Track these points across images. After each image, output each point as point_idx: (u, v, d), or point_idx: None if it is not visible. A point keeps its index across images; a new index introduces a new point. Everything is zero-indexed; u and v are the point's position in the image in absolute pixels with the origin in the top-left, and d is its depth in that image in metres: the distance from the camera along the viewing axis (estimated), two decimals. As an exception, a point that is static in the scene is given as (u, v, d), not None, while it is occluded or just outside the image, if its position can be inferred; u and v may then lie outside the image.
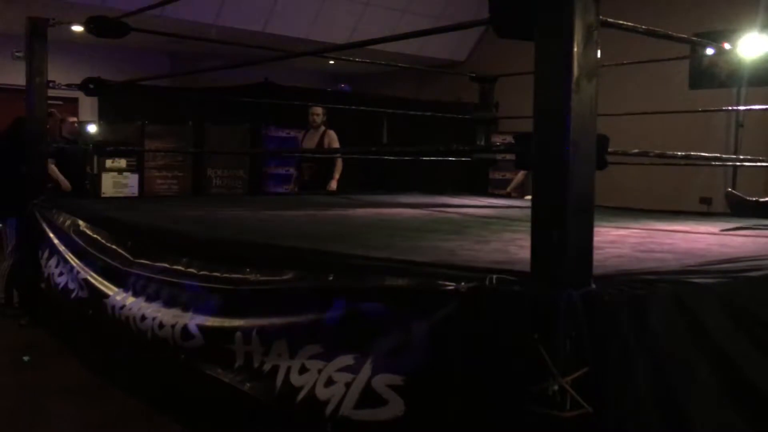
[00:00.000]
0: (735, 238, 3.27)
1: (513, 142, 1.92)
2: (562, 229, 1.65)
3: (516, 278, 1.77)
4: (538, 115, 1.73)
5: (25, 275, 4.78)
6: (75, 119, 7.20)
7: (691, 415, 1.77)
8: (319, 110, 6.70)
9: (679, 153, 2.29)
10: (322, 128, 6.64)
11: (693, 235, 3.36)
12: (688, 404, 1.79)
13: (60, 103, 8.32)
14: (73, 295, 3.80)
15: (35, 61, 4.84)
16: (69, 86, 5.03)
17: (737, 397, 1.89)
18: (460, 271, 1.94)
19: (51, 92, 5.06)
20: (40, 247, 4.47)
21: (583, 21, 1.66)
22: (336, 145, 6.50)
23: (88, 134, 8.20)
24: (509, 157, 5.84)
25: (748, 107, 6.66)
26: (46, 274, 4.31)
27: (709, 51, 5.51)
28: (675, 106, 6.69)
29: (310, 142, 6.65)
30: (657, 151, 2.33)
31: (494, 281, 1.76)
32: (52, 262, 4.22)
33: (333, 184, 6.74)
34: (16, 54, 7.91)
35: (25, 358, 2.84)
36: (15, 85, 7.57)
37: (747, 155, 7.00)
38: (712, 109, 6.60)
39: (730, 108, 6.84)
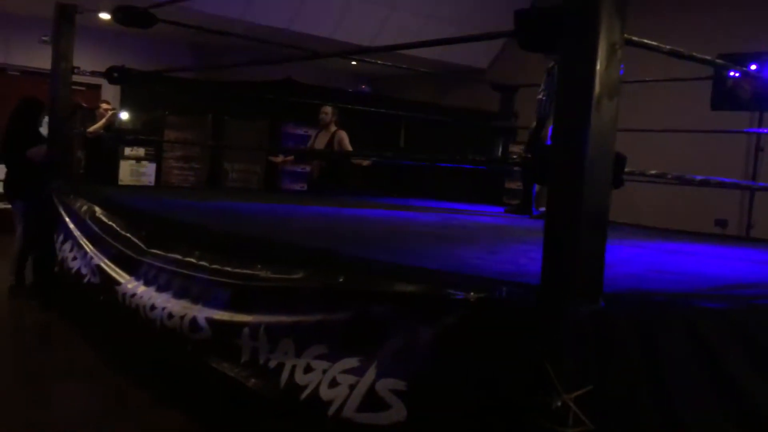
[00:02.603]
0: (749, 263, 3.25)
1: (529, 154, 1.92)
2: (574, 246, 1.65)
3: (525, 291, 1.77)
4: (557, 131, 1.73)
5: (38, 258, 4.84)
6: (110, 107, 7.27)
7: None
8: (328, 109, 6.70)
9: (697, 177, 2.27)
10: (333, 128, 6.66)
11: (706, 258, 3.34)
12: (690, 426, 1.78)
13: (83, 89, 8.41)
14: (86, 280, 3.84)
15: (62, 46, 4.90)
16: (93, 73, 5.07)
17: (743, 425, 1.88)
18: (470, 280, 1.95)
19: (75, 78, 5.12)
20: (55, 231, 4.52)
21: (608, 39, 1.66)
22: (347, 145, 6.52)
23: (120, 122, 8.26)
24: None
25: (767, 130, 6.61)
26: (59, 258, 4.36)
27: (733, 73, 5.47)
28: (696, 126, 6.65)
29: (321, 142, 6.68)
30: (674, 174, 2.32)
31: (504, 293, 1.77)
32: (67, 246, 4.27)
33: (364, 161, 6.79)
34: (43, 38, 8.00)
35: None
36: (41, 68, 7.66)
37: (765, 180, 6.94)
38: (731, 130, 6.55)
39: (749, 131, 6.78)
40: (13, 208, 5.18)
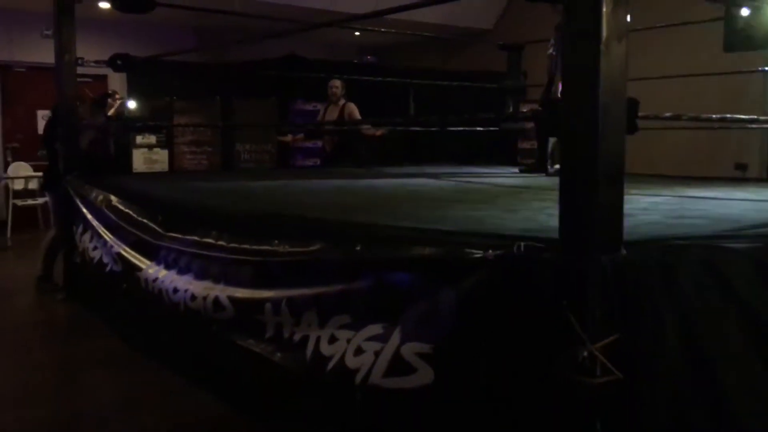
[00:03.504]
0: (771, 203, 3.19)
1: (539, 109, 1.89)
2: (591, 195, 1.63)
3: (544, 245, 1.75)
4: (567, 78, 1.69)
5: (61, 250, 4.89)
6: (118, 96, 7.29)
7: (722, 379, 1.74)
8: (338, 83, 6.67)
9: (714, 116, 2.22)
10: (342, 101, 6.62)
11: (727, 201, 3.29)
12: (720, 368, 1.76)
13: (89, 80, 8.41)
14: (108, 269, 3.88)
15: (63, 38, 4.88)
16: (97, 63, 5.06)
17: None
18: (488, 239, 1.93)
19: (80, 70, 5.11)
20: (74, 222, 4.56)
21: (613, -21, 1.61)
22: (357, 116, 6.48)
23: (129, 110, 8.27)
24: (538, 125, 5.74)
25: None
26: (80, 249, 4.40)
27: (745, 11, 5.33)
28: (709, 70, 6.51)
29: (331, 115, 6.64)
30: (690, 114, 2.27)
31: (522, 248, 1.75)
32: (86, 237, 4.30)
33: (374, 131, 6.71)
34: (45, 32, 7.99)
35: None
36: (45, 63, 7.65)
37: (785, 119, 6.80)
38: (746, 70, 6.39)
39: (765, 69, 6.63)
40: (49, 200, 5.34)
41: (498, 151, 7.95)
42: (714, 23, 5.51)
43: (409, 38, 9.11)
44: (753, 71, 6.54)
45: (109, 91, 7.23)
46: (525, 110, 6.94)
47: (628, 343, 1.63)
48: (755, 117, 5.60)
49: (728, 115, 2.28)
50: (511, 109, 6.80)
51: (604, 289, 1.61)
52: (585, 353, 1.57)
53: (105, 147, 5.84)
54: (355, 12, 8.78)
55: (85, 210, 4.36)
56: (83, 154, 5.12)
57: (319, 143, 7.81)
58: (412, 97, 9.12)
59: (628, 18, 1.68)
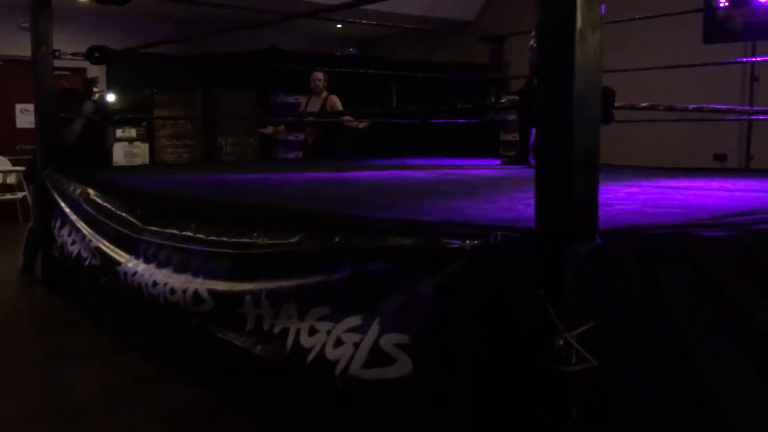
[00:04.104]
0: (748, 193, 3.23)
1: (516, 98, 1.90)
2: (566, 185, 1.63)
3: (521, 234, 1.76)
4: (543, 68, 1.70)
5: (39, 244, 4.84)
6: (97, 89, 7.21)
7: (699, 366, 1.76)
8: (320, 75, 6.64)
9: (691, 106, 2.24)
10: (325, 93, 6.60)
11: (705, 191, 3.32)
12: (697, 357, 1.78)
13: (68, 73, 8.31)
14: (87, 263, 3.84)
15: (40, 29, 4.82)
16: (75, 55, 5.01)
17: (747, 348, 1.88)
18: (466, 228, 1.93)
19: (59, 63, 5.06)
20: (52, 216, 4.51)
21: (587, -31, 1.62)
22: (339, 108, 6.47)
23: (108, 104, 8.19)
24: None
25: (764, 58, 6.51)
26: (59, 243, 4.36)
27: (723, 2, 5.38)
28: (689, 62, 6.56)
29: (313, 107, 6.62)
30: (666, 104, 2.28)
31: (499, 238, 1.75)
32: (65, 231, 4.26)
33: (357, 123, 6.69)
34: (23, 25, 7.88)
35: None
36: (22, 56, 7.55)
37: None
38: (724, 61, 6.45)
39: (743, 60, 6.69)
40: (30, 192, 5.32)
41: (481, 142, 7.97)
42: (694, 15, 5.55)
43: (392, 30, 9.09)
44: (732, 63, 6.60)
45: (89, 78, 7.14)
46: (503, 100, 6.97)
47: (604, 331, 1.64)
48: (732, 108, 5.65)
49: (705, 105, 2.30)
50: (493, 100, 6.82)
51: (579, 277, 1.62)
52: (561, 341, 1.58)
53: (97, 138, 5.69)
54: (337, 3, 8.77)
55: (63, 204, 4.32)
56: (71, 147, 5.05)
57: (301, 136, 7.79)
58: (395, 89, 9.11)
59: (603, 8, 1.69)
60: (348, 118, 6.59)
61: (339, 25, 10.02)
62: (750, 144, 7.06)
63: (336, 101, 6.54)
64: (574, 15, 1.60)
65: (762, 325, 1.92)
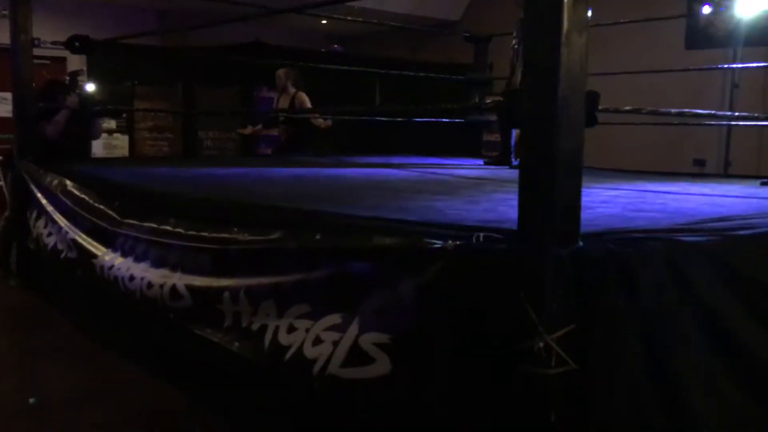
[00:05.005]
0: (727, 199, 3.26)
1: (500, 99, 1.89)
2: (549, 187, 1.63)
3: (503, 236, 1.75)
4: (528, 70, 1.69)
5: (14, 235, 4.76)
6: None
7: (679, 372, 1.77)
8: (280, 72, 6.53)
9: (672, 110, 2.25)
10: (293, 90, 6.53)
11: (685, 195, 3.35)
12: (677, 361, 1.79)
13: (48, 62, 8.20)
14: (62, 255, 3.78)
15: (19, 17, 4.73)
16: (54, 44, 4.93)
17: (726, 353, 1.90)
18: (448, 229, 1.92)
19: (38, 52, 4.96)
20: (28, 207, 4.44)
21: (574, -28, 1.61)
22: (308, 106, 6.41)
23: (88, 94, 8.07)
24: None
25: (744, 65, 6.58)
26: (34, 235, 4.29)
27: (706, 9, 5.43)
28: (671, 67, 6.62)
29: (282, 105, 6.56)
30: (649, 108, 2.30)
31: (481, 239, 1.75)
32: (41, 222, 4.20)
33: (321, 122, 6.58)
34: (2, 12, 7.76)
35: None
36: (2, 44, 7.44)
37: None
38: (705, 67, 6.52)
39: (724, 66, 6.76)
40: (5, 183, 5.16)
41: (463, 143, 7.97)
42: (677, 21, 5.60)
43: (377, 28, 9.08)
44: (713, 68, 6.67)
45: (74, 70, 7.03)
46: (487, 101, 6.98)
47: (584, 334, 1.64)
48: (713, 113, 5.71)
49: (686, 110, 2.31)
50: (477, 101, 6.82)
51: (560, 280, 1.62)
52: (541, 344, 1.58)
53: (81, 134, 5.55)
54: (322, -1, 8.74)
55: (39, 195, 4.25)
56: (53, 142, 4.94)
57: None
58: (379, 87, 9.10)
59: (589, 12, 1.69)
60: (314, 115, 6.51)
61: (324, 21, 10.00)
62: (729, 150, 7.14)
63: (304, 99, 6.47)
64: (560, 17, 1.60)
65: (740, 330, 1.94)
